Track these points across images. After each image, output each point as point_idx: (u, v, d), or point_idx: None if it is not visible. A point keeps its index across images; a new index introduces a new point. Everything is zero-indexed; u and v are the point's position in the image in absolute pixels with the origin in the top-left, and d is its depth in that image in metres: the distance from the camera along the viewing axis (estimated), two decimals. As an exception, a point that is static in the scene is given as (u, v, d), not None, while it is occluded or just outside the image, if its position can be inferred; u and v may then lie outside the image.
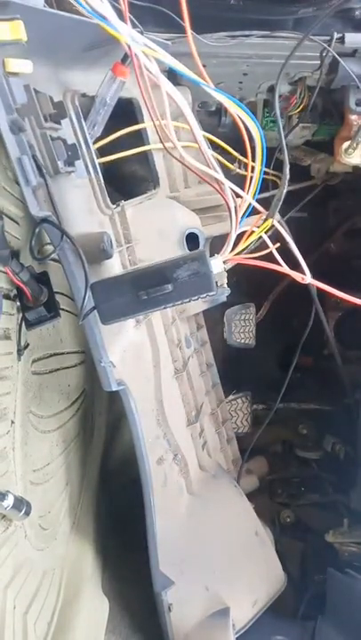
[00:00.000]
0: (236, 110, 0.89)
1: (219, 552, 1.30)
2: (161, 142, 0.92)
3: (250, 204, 0.95)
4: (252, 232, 0.92)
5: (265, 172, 1.26)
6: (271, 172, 1.50)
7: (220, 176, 0.90)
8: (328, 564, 1.41)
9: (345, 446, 1.73)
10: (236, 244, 0.92)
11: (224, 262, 0.89)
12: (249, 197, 0.93)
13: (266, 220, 0.92)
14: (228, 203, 0.90)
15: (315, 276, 1.10)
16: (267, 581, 1.38)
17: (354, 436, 1.60)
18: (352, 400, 1.66)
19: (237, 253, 0.92)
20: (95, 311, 0.80)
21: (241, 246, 0.92)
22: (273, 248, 0.93)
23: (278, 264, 0.93)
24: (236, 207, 0.92)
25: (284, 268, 0.93)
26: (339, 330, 1.91)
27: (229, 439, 1.71)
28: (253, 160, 0.96)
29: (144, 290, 0.75)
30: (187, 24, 0.82)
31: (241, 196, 0.96)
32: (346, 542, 1.46)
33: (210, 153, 0.91)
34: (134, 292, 0.76)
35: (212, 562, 1.27)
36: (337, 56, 1.15)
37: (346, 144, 1.26)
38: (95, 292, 0.78)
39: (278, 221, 0.97)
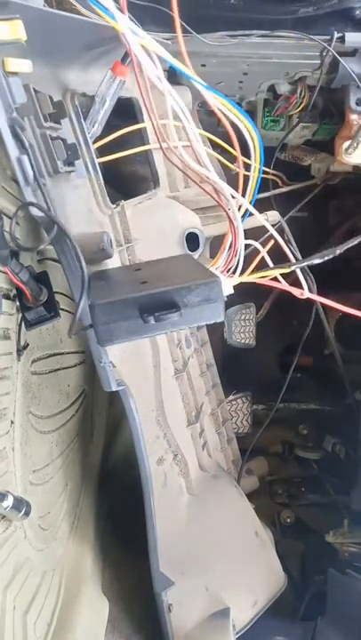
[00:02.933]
0: (228, 111, 0.87)
1: (219, 552, 1.30)
2: (158, 142, 0.91)
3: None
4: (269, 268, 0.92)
5: (264, 172, 1.26)
6: (271, 171, 1.49)
7: (215, 177, 0.89)
8: (328, 564, 1.41)
9: (345, 446, 1.73)
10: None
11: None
12: (245, 201, 0.92)
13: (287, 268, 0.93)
14: (230, 217, 0.88)
15: (315, 277, 1.10)
16: (267, 582, 1.38)
17: (354, 436, 1.60)
18: (352, 400, 1.66)
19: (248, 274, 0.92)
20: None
21: (253, 276, 0.91)
22: (278, 274, 0.93)
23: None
24: (236, 223, 0.90)
25: (284, 285, 0.93)
26: (339, 330, 1.91)
27: (229, 439, 1.71)
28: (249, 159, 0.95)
29: (151, 314, 0.70)
30: (177, 22, 0.81)
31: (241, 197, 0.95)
32: (346, 543, 1.45)
33: (205, 154, 0.89)
34: (140, 315, 0.71)
35: (213, 562, 1.27)
36: (337, 55, 1.15)
37: (346, 143, 1.26)
38: (95, 313, 0.72)
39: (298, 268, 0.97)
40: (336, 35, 1.15)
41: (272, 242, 0.98)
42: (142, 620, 1.18)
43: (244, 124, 0.89)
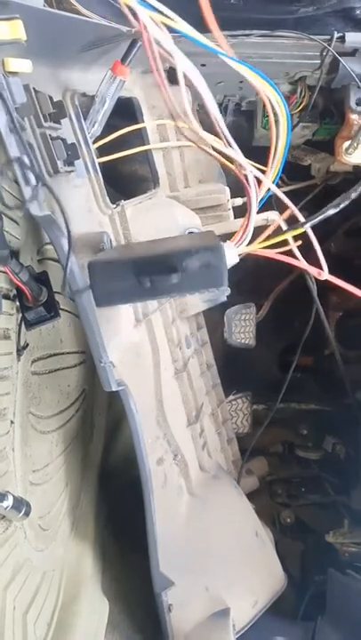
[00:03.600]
0: (257, 82, 0.83)
1: (219, 553, 1.30)
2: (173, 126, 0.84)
3: (268, 190, 0.88)
4: (278, 231, 0.87)
5: (263, 172, 1.24)
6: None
7: (242, 159, 0.83)
8: (328, 564, 1.41)
9: (345, 447, 1.73)
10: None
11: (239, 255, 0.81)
12: (269, 182, 0.87)
13: (298, 228, 0.88)
14: (250, 190, 0.84)
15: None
16: (267, 582, 1.38)
17: (354, 436, 1.60)
18: (353, 400, 1.66)
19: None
20: (90, 292, 0.71)
21: (261, 243, 0.87)
22: (294, 246, 0.89)
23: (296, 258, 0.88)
24: (256, 193, 0.85)
25: (302, 263, 0.88)
26: (339, 330, 1.91)
27: (230, 439, 1.71)
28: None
29: (148, 276, 0.66)
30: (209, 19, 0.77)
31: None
32: (346, 543, 1.45)
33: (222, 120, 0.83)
34: (137, 277, 0.67)
35: (213, 562, 1.26)
36: (337, 55, 1.15)
37: (346, 143, 1.26)
38: (93, 271, 0.70)
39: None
40: (336, 34, 1.15)
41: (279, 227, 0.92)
42: (142, 620, 1.18)
43: (271, 92, 0.84)
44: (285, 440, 1.93)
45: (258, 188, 0.87)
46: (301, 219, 0.89)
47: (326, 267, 0.88)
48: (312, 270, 0.88)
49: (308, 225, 0.86)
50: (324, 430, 1.86)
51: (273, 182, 0.91)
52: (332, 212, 0.88)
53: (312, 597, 1.46)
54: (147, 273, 0.67)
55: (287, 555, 1.56)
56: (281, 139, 0.86)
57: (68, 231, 0.69)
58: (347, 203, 0.89)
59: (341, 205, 0.88)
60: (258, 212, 0.92)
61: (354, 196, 0.90)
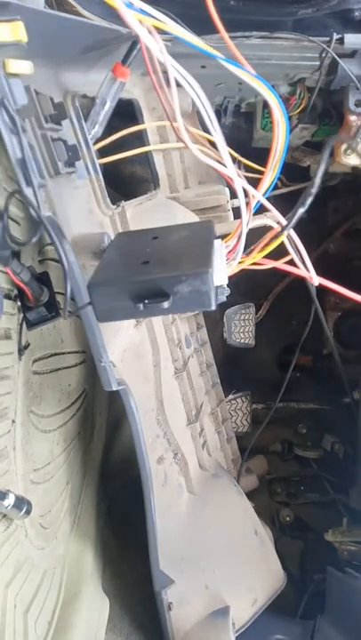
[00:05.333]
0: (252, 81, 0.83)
1: (218, 551, 1.31)
2: (159, 139, 0.86)
3: (257, 202, 0.90)
4: (268, 243, 0.88)
5: (262, 174, 1.24)
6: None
7: (233, 173, 0.85)
8: (327, 562, 1.42)
9: (344, 445, 1.74)
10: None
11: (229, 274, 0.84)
12: (259, 195, 0.88)
13: (282, 232, 0.88)
14: (241, 201, 0.85)
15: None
16: (266, 580, 1.38)
17: (353, 435, 1.61)
18: (351, 399, 1.67)
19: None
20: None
21: (254, 257, 0.88)
22: (294, 254, 0.90)
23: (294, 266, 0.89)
24: (248, 205, 0.86)
25: (299, 270, 0.89)
26: (338, 329, 1.91)
27: (229, 438, 1.72)
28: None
29: (142, 301, 0.73)
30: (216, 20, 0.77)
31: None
32: (345, 541, 1.46)
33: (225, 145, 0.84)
34: (132, 300, 0.74)
35: (212, 561, 1.27)
36: (336, 57, 1.15)
37: (345, 145, 1.27)
38: (93, 292, 0.75)
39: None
40: (335, 36, 1.15)
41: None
42: (143, 617, 1.19)
43: (266, 92, 0.84)
44: (285, 439, 1.94)
45: (251, 200, 0.87)
46: (283, 221, 0.89)
47: (314, 273, 0.89)
48: (308, 276, 0.89)
49: (290, 227, 0.86)
50: (323, 429, 1.86)
51: (270, 186, 0.91)
52: (301, 210, 0.88)
53: (311, 596, 1.46)
54: (140, 298, 0.73)
55: (286, 553, 1.57)
56: (280, 143, 0.86)
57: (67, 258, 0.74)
58: (311, 198, 0.89)
59: (307, 202, 0.89)
60: (253, 215, 0.92)
61: (314, 190, 0.90)
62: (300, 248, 0.88)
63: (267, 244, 0.87)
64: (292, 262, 0.90)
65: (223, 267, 0.82)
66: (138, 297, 0.73)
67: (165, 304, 0.72)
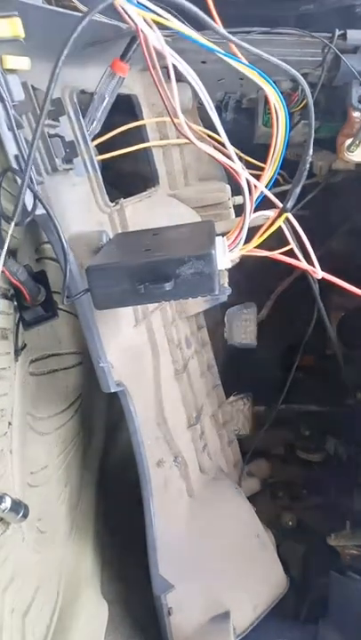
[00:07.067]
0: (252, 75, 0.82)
1: (219, 555, 1.29)
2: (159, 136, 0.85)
3: (261, 193, 0.89)
4: (268, 227, 0.87)
5: (263, 170, 1.22)
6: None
7: (238, 166, 0.84)
8: (330, 567, 1.40)
9: (347, 448, 1.72)
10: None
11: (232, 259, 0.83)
12: (262, 186, 0.87)
13: (281, 213, 0.87)
14: (244, 191, 0.84)
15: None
16: (268, 585, 1.37)
17: (357, 437, 1.59)
18: (354, 401, 1.65)
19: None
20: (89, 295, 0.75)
21: (255, 242, 0.87)
22: (293, 244, 0.89)
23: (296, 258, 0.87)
24: (251, 195, 0.86)
25: (298, 262, 0.88)
26: (341, 330, 1.90)
27: (230, 441, 1.70)
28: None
29: (142, 284, 0.70)
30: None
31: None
32: (348, 545, 1.44)
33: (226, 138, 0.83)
34: (132, 283, 0.71)
35: (213, 565, 1.26)
36: (339, 53, 1.15)
37: (348, 141, 1.25)
38: (91, 276, 0.73)
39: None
40: (338, 32, 1.15)
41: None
42: (143, 622, 1.17)
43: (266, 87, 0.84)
44: (287, 442, 1.92)
45: (254, 192, 0.86)
46: (278, 203, 0.88)
47: (319, 266, 0.88)
48: (310, 269, 0.88)
49: (288, 207, 0.84)
50: (326, 432, 1.85)
51: (270, 182, 0.90)
52: (297, 189, 0.87)
53: (314, 600, 1.45)
54: (141, 280, 0.70)
55: (289, 557, 1.55)
56: (280, 136, 0.85)
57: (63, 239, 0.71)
58: (305, 174, 0.88)
59: (302, 179, 0.87)
60: (255, 211, 0.91)
61: (307, 166, 0.89)
62: (302, 236, 0.87)
63: (267, 229, 0.86)
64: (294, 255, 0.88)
65: (226, 252, 0.81)
66: (138, 279, 0.70)
67: (167, 286, 0.69)
